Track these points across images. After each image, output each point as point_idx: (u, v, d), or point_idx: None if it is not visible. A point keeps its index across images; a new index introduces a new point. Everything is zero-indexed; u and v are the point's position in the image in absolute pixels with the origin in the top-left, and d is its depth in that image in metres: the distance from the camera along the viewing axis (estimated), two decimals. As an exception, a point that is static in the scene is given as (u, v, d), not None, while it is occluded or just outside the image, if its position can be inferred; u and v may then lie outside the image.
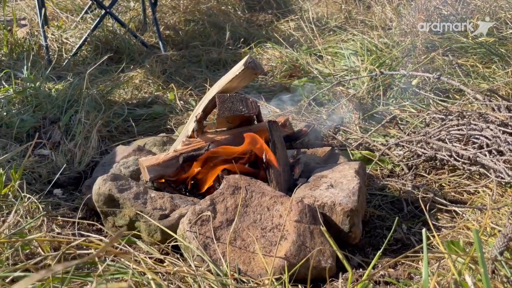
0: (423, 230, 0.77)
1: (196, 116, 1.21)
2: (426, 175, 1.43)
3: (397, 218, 1.03)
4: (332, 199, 1.11)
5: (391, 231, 1.01)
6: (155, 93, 2.12)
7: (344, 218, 1.09)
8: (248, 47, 2.81)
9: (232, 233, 1.03)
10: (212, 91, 1.28)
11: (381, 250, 0.87)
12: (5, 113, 1.88)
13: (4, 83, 2.16)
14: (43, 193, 1.21)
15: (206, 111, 1.26)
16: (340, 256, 0.82)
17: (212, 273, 0.89)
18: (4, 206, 1.12)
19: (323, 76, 2.45)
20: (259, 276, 0.97)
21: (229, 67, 2.61)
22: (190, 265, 0.90)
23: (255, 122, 1.32)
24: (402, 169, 1.52)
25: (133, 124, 1.76)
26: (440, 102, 1.80)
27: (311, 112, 2.03)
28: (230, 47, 2.83)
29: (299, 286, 0.96)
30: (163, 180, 1.23)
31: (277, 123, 1.27)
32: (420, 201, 1.22)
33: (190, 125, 1.29)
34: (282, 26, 3.33)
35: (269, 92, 2.27)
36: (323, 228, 0.91)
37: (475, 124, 1.31)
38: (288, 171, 1.30)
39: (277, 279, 0.96)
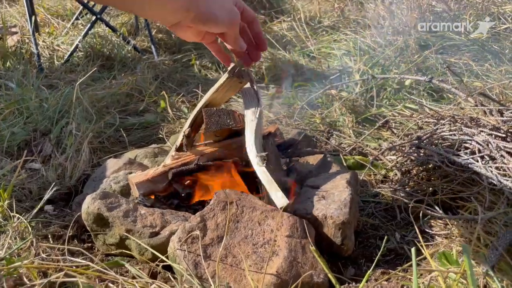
0: (413, 249, 0.76)
1: (184, 132, 1.19)
2: (419, 181, 1.42)
3: (386, 237, 1.02)
4: (323, 211, 1.10)
5: (383, 242, 1.00)
6: (147, 101, 2.11)
7: (336, 231, 1.08)
8: (241, 50, 2.79)
9: (223, 250, 1.02)
10: (200, 103, 1.27)
11: (372, 267, 0.87)
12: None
13: (-5, 94, 2.14)
14: (31, 213, 1.19)
15: (195, 125, 1.25)
16: (332, 278, 0.81)
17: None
18: (-8, 228, 1.11)
19: (317, 78, 2.43)
20: (250, 294, 0.96)
21: (222, 71, 2.61)
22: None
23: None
24: (396, 175, 1.52)
25: (124, 134, 1.75)
26: (430, 106, 1.79)
27: (304, 116, 2.01)
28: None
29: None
30: (153, 196, 1.22)
31: (272, 136, 1.26)
32: (409, 211, 1.21)
33: (179, 138, 1.27)
34: (275, 26, 3.32)
35: (262, 96, 2.25)
36: (312, 248, 0.91)
37: (467, 128, 1.30)
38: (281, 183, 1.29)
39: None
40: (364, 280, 0.82)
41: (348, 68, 2.41)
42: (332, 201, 1.14)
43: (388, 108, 2.06)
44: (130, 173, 1.32)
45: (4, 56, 2.70)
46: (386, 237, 0.99)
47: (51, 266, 0.88)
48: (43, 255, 0.99)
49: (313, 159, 1.49)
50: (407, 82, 2.25)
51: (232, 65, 1.15)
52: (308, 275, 1.00)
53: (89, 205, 1.11)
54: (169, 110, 1.90)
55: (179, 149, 1.29)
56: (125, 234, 1.08)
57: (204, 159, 1.24)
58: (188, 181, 1.22)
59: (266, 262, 1.00)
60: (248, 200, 1.11)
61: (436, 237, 1.22)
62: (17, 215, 1.13)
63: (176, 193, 1.24)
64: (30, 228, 1.12)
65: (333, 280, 0.81)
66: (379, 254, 0.94)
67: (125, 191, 1.29)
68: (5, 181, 1.40)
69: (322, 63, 2.58)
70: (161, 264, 1.03)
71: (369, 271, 0.81)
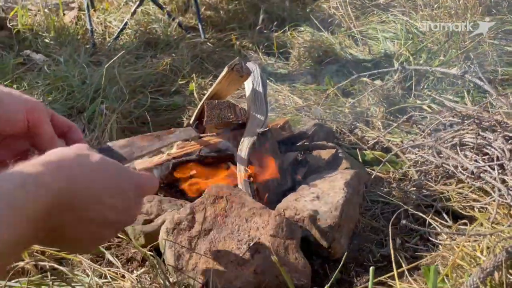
0: (371, 268, 0.74)
1: (185, 124, 1.22)
2: (434, 185, 1.34)
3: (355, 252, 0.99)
4: (312, 213, 1.08)
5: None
6: (180, 82, 2.15)
7: (323, 233, 1.06)
8: (282, 30, 2.74)
9: (208, 244, 1.05)
10: (206, 95, 1.28)
11: (333, 278, 0.85)
12: (40, 101, 2.01)
13: (47, 69, 2.30)
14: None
15: (200, 116, 1.27)
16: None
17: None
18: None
19: (356, 63, 2.34)
20: (226, 290, 0.99)
21: (261, 52, 2.59)
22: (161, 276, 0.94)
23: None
24: (413, 175, 1.45)
25: (148, 117, 1.81)
26: (455, 105, 1.66)
27: (333, 104, 1.95)
28: (264, 31, 2.77)
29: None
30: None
31: (270, 132, 1.24)
32: (411, 217, 1.16)
33: (185, 128, 1.30)
34: (324, 4, 3.19)
35: (294, 81, 2.21)
36: (275, 258, 0.90)
37: (487, 132, 1.20)
38: (284, 179, 1.28)
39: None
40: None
41: (390, 54, 2.29)
42: (325, 202, 1.12)
43: (426, 99, 1.94)
44: (141, 158, 1.38)
45: (60, 32, 2.87)
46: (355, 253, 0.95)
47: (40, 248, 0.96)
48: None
49: (326, 153, 1.45)
50: (453, 71, 2.10)
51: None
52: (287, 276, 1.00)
53: (91, 189, 1.17)
54: (195, 94, 1.93)
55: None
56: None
57: (207, 150, 1.26)
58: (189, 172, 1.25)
59: (249, 258, 1.02)
60: (238, 196, 1.12)
61: (441, 247, 1.16)
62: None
63: (178, 181, 1.27)
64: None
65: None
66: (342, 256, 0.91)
67: (134, 175, 1.35)
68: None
69: (364, 47, 2.46)
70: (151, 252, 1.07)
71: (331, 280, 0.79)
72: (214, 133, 1.28)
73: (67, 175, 0.52)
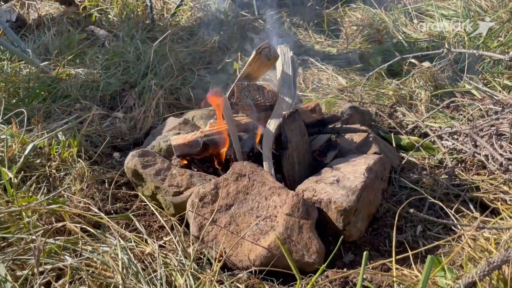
0: (364, 253, 0.77)
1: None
2: (465, 174, 1.31)
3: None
4: (329, 195, 1.11)
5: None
6: (227, 60, 2.21)
7: (338, 216, 1.09)
8: (334, 7, 2.69)
9: (228, 218, 1.12)
10: (239, 76, 1.33)
11: (333, 252, 0.88)
12: (98, 75, 2.17)
13: (107, 45, 2.46)
14: (90, 161, 1.43)
15: (230, 96, 1.33)
16: (294, 270, 0.86)
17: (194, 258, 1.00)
18: (62, 169, 1.36)
19: (408, 43, 2.26)
20: (240, 262, 1.06)
21: (311, 30, 2.57)
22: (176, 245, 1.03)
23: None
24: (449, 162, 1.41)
25: (192, 94, 1.89)
26: (494, 93, 1.56)
27: (377, 86, 1.92)
28: (316, 7, 2.74)
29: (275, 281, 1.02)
30: (189, 158, 1.35)
31: (298, 113, 1.27)
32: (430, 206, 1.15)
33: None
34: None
35: (341, 60, 2.19)
36: (281, 243, 0.95)
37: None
38: (309, 160, 1.32)
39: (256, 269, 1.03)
40: (317, 274, 0.85)
41: (445, 33, 2.19)
42: (343, 186, 1.14)
43: (477, 83, 1.85)
44: (179, 133, 1.47)
45: (122, 8, 3.02)
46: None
47: (68, 212, 1.08)
48: (81, 204, 1.20)
49: (358, 137, 1.46)
50: (511, 53, 1.97)
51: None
52: (299, 254, 1.05)
53: (129, 161, 1.29)
54: (237, 72, 1.98)
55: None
56: (154, 190, 1.24)
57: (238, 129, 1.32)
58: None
59: (265, 234, 1.08)
60: (260, 174, 1.18)
61: (463, 237, 1.15)
62: (80, 160, 1.37)
63: (210, 157, 1.35)
64: (89, 173, 1.35)
65: (295, 271, 0.86)
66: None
67: (171, 150, 1.44)
68: (91, 127, 1.65)
69: (419, 25, 2.36)
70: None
71: (322, 267, 0.83)
72: (245, 114, 1.33)
73: None
